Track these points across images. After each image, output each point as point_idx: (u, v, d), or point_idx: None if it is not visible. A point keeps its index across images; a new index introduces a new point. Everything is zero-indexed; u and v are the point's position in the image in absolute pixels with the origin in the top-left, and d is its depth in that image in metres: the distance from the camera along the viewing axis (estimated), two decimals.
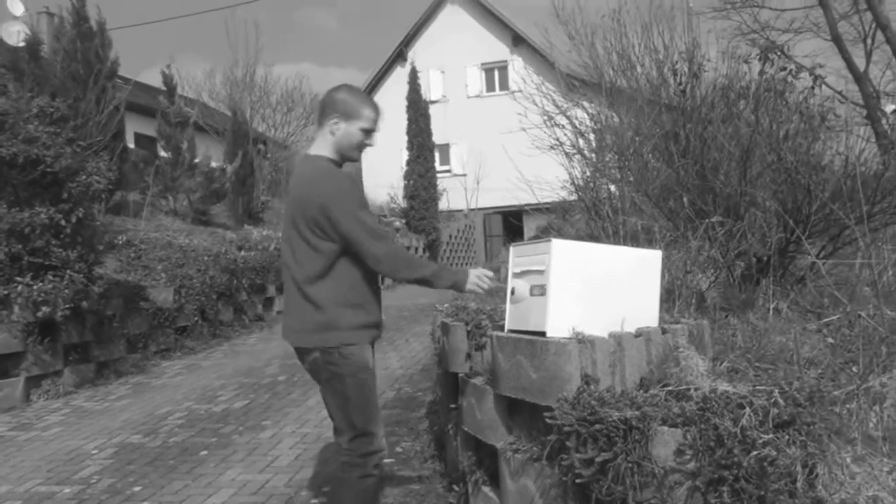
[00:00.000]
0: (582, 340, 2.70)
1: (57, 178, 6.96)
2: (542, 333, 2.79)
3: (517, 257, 2.94)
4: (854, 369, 2.87)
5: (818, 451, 2.27)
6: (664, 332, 2.86)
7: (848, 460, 2.30)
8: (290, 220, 2.95)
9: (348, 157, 3.03)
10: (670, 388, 2.57)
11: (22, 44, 10.52)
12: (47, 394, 7.06)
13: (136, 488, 4.45)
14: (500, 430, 3.18)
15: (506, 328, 2.89)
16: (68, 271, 6.95)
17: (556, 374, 2.71)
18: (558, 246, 2.85)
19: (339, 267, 2.89)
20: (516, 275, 2.90)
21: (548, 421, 2.62)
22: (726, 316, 3.59)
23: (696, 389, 2.49)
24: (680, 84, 4.56)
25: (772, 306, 3.55)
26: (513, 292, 2.92)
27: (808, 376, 2.67)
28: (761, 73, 4.08)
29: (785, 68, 3.95)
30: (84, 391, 7.35)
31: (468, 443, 3.66)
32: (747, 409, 2.30)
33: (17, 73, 9.72)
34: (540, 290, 2.76)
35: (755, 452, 2.21)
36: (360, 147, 3.03)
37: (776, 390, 2.40)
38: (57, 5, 12.72)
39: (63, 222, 6.94)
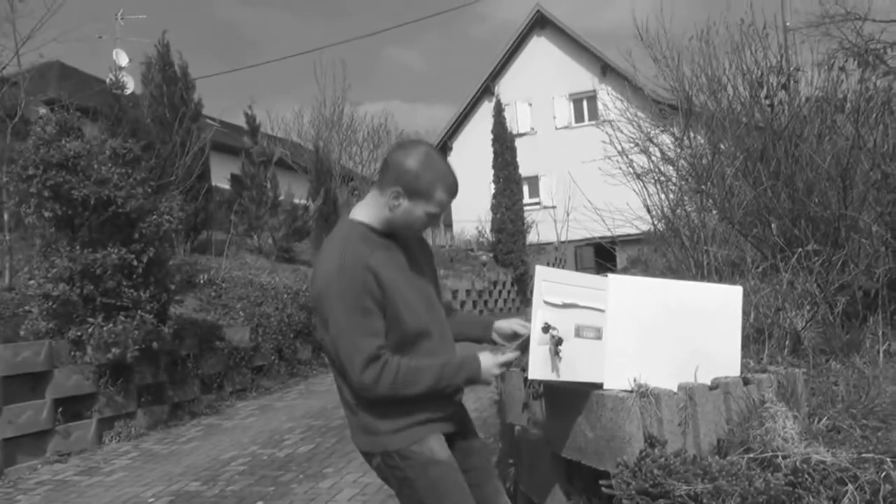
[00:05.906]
0: (645, 394, 2.29)
1: (129, 219, 6.96)
2: (599, 385, 2.39)
3: (551, 283, 2.27)
4: None
5: None
6: (747, 382, 2.42)
7: None
8: None
9: (399, 233, 2.33)
10: (753, 454, 2.12)
11: (128, 91, 11.01)
12: (119, 436, 6.98)
13: None
14: (558, 495, 2.77)
15: (529, 375, 2.21)
16: (139, 312, 6.89)
17: (614, 434, 2.30)
18: (617, 282, 2.45)
19: None
20: (552, 306, 2.24)
21: (604, 490, 2.21)
22: (827, 360, 3.08)
23: (784, 457, 2.04)
24: (767, 97, 4.07)
25: (882, 348, 3.03)
26: (546, 329, 2.19)
27: None
28: (861, 80, 3.57)
29: (889, 73, 3.44)
30: (156, 433, 7.25)
31: None
32: (850, 485, 1.84)
33: (114, 120, 10.02)
34: (594, 333, 2.34)
35: None
36: (419, 230, 2.39)
37: (888, 459, 1.92)
38: (142, 52, 13.22)
39: (134, 262, 6.91)
